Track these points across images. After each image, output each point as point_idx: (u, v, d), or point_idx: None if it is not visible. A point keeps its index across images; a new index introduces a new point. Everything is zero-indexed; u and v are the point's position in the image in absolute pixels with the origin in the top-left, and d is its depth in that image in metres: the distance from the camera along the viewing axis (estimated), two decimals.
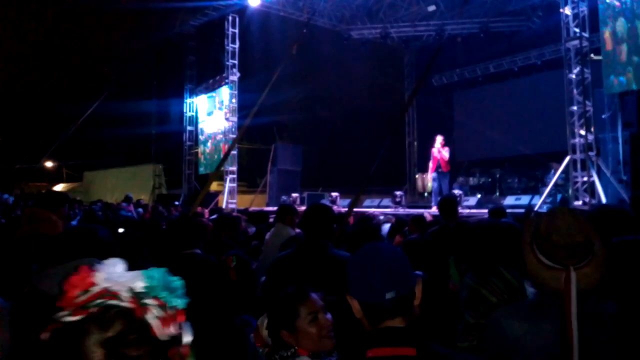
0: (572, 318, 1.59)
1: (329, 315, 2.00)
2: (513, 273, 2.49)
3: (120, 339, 0.86)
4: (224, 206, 15.20)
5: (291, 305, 1.97)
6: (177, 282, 0.95)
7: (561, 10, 10.75)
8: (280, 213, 5.08)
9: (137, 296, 0.89)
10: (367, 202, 14.37)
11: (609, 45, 10.02)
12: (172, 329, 0.90)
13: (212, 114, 18.32)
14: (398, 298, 1.42)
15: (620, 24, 9.88)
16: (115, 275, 0.90)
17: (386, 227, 6.34)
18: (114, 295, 0.88)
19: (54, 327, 0.87)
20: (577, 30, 10.38)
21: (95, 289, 0.88)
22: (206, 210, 12.29)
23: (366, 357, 1.40)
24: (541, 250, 1.74)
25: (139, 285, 0.90)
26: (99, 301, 0.87)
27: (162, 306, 0.90)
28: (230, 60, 16.37)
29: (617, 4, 9.93)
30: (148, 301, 0.89)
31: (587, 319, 1.62)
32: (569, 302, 1.61)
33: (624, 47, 9.81)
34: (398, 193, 13.18)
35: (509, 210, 7.22)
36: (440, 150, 11.78)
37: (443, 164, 11.75)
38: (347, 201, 13.48)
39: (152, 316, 0.89)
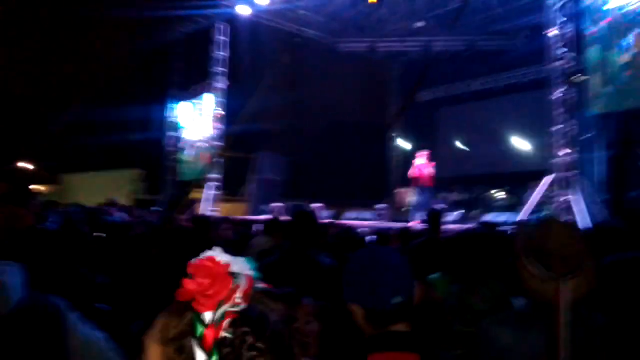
0: (562, 328, 1.59)
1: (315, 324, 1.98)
2: (501, 283, 2.48)
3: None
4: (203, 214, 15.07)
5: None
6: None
7: (547, 31, 10.94)
8: (270, 227, 5.01)
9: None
10: (348, 215, 14.35)
11: (586, 73, 10.21)
12: None
13: (194, 121, 18.24)
14: (403, 303, 1.39)
15: (595, 52, 10.02)
16: (236, 261, 0.89)
17: (370, 239, 6.33)
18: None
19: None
20: (563, 51, 10.56)
21: (246, 272, 0.88)
22: (184, 217, 12.16)
23: None
24: (533, 260, 1.74)
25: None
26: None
27: None
28: (218, 68, 16.35)
29: (593, 30, 10.08)
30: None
31: (577, 329, 1.62)
32: (560, 311, 1.61)
33: (597, 77, 9.93)
34: (380, 206, 13.22)
35: None
36: (423, 165, 11.79)
37: (426, 179, 11.77)
38: (329, 212, 13.45)
39: None
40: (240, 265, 0.88)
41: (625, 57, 9.35)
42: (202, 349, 0.81)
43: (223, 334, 0.82)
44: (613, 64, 9.56)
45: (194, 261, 0.86)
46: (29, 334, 1.58)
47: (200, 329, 0.82)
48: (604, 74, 9.75)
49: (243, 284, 0.85)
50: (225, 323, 0.82)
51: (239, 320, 0.83)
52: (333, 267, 2.98)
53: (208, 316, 0.82)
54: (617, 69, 9.50)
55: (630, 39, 9.27)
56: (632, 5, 9.26)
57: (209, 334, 0.81)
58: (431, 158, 12.07)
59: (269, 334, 0.84)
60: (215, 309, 0.82)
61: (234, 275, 0.86)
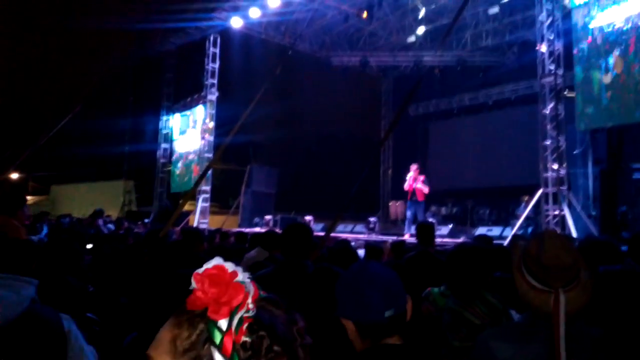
0: (560, 339, 1.59)
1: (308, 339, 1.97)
2: (496, 296, 2.49)
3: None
4: (195, 226, 15.01)
5: None
6: None
7: (537, 47, 11.06)
8: (267, 240, 4.96)
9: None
10: (340, 228, 14.35)
11: (573, 89, 10.31)
12: None
13: (185, 132, 18.21)
14: (395, 316, 1.40)
15: (578, 72, 10.01)
16: (239, 269, 0.90)
17: (360, 252, 6.31)
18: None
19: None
20: (552, 67, 10.68)
21: (248, 280, 0.89)
22: (177, 229, 12.11)
23: None
24: (530, 273, 1.74)
25: None
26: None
27: None
28: (210, 80, 16.38)
29: (575, 51, 10.11)
30: None
31: (574, 341, 1.63)
32: (557, 323, 1.61)
33: (580, 96, 9.94)
34: (372, 219, 13.22)
35: None
36: (415, 179, 11.78)
37: (419, 193, 11.77)
38: (320, 225, 13.44)
39: None
40: (243, 273, 0.89)
41: (607, 78, 9.34)
42: (223, 355, 0.83)
43: (243, 338, 0.84)
44: (594, 85, 9.57)
45: (200, 271, 0.87)
46: (26, 344, 1.58)
47: (218, 336, 0.83)
48: (586, 94, 9.79)
49: (252, 290, 0.87)
50: (244, 328, 0.84)
51: (255, 325, 0.85)
52: (327, 280, 2.96)
53: (224, 323, 0.84)
54: (597, 90, 9.51)
55: (611, 59, 9.28)
56: (615, 25, 9.27)
57: (228, 340, 0.83)
58: (421, 171, 12.08)
59: (282, 337, 0.87)
60: (230, 315, 0.84)
61: (242, 282, 0.87)
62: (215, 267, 0.88)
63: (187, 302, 0.87)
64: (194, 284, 0.87)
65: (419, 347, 1.50)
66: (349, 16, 15.23)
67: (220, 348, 0.83)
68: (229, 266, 0.88)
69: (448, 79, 16.92)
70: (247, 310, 0.85)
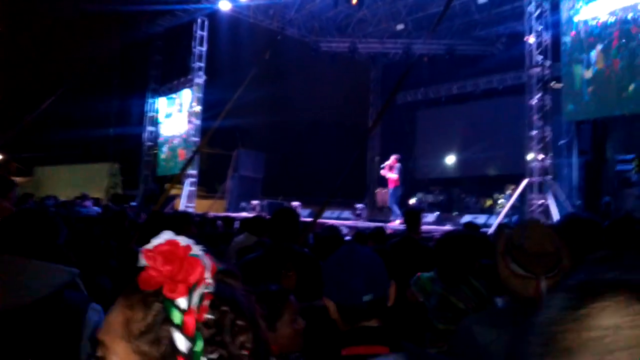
0: None
1: (301, 321, 2.01)
2: (482, 282, 2.54)
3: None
4: (181, 209, 14.98)
5: (276, 306, 1.96)
6: None
7: (525, 38, 11.12)
8: (255, 224, 4.97)
9: None
10: (327, 214, 14.38)
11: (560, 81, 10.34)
12: None
13: (171, 116, 18.09)
14: (374, 300, 1.44)
15: (563, 65, 10.04)
16: (192, 242, 0.84)
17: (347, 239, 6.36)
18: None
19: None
20: (540, 58, 10.74)
21: (202, 254, 0.83)
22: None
23: (340, 355, 1.42)
24: (513, 259, 1.79)
25: None
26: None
27: None
28: (197, 63, 16.26)
29: (561, 44, 10.14)
30: None
31: None
32: (538, 310, 1.65)
33: (564, 89, 9.96)
34: (359, 206, 13.29)
35: None
36: (389, 166, 11.85)
37: (389, 181, 11.91)
38: (307, 211, 13.48)
39: None
40: (197, 246, 0.84)
41: (588, 74, 9.30)
42: (185, 335, 0.77)
43: (206, 316, 0.79)
44: (576, 80, 9.56)
45: (150, 247, 0.81)
46: (46, 323, 1.62)
47: (178, 316, 0.78)
48: (568, 88, 9.81)
49: (209, 264, 0.82)
50: (206, 305, 0.80)
51: (216, 301, 0.81)
52: (315, 264, 3.02)
53: (182, 302, 0.79)
54: (579, 85, 9.49)
55: (593, 54, 9.22)
56: (599, 19, 9.20)
57: (190, 319, 0.78)
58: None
59: (245, 310, 0.83)
60: (188, 293, 0.79)
61: (197, 256, 0.82)
62: (167, 242, 0.81)
63: (139, 281, 0.80)
64: (144, 262, 0.80)
65: (397, 329, 1.54)
66: (338, 2, 15.16)
67: (182, 328, 0.77)
68: (182, 240, 0.82)
69: (436, 67, 16.93)
70: (207, 286, 0.80)
